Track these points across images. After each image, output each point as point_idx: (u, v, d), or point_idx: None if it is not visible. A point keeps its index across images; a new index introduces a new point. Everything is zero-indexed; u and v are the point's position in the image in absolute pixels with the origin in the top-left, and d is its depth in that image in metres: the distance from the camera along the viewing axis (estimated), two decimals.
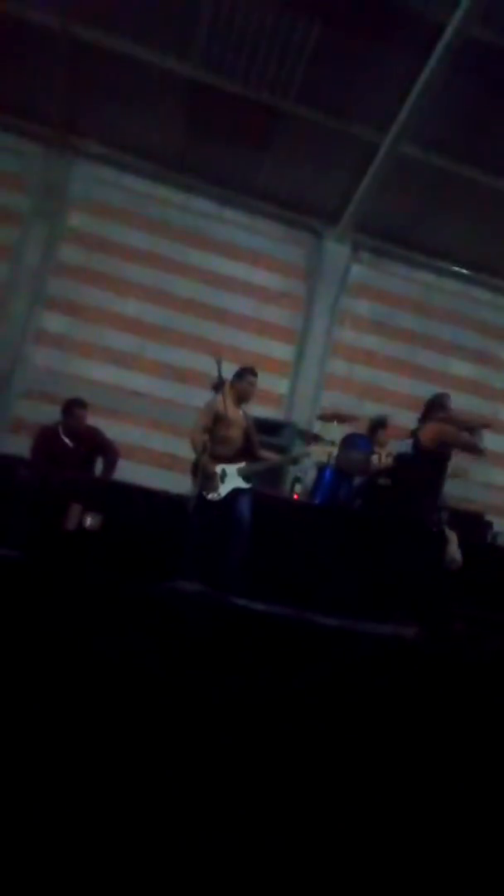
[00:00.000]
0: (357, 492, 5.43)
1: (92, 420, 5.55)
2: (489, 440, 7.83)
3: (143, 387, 6.96)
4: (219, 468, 4.31)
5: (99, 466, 5.31)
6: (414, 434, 4.70)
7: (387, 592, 4.19)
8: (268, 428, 5.46)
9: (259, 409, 6.54)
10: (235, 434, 4.42)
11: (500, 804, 2.22)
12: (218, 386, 4.21)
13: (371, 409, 7.15)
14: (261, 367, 7.37)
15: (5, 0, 5.92)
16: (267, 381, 7.42)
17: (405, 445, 4.79)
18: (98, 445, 5.26)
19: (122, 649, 2.52)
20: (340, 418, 6.04)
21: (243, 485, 4.33)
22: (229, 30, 6.00)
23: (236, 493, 4.29)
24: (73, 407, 5.07)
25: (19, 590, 2.80)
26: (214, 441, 4.33)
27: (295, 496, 5.56)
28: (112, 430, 5.77)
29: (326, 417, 6.17)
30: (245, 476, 4.35)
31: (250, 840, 1.78)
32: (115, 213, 7.28)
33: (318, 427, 6.48)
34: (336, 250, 7.59)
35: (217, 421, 4.36)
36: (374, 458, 5.59)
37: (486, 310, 8.05)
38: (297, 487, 5.71)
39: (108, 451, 5.29)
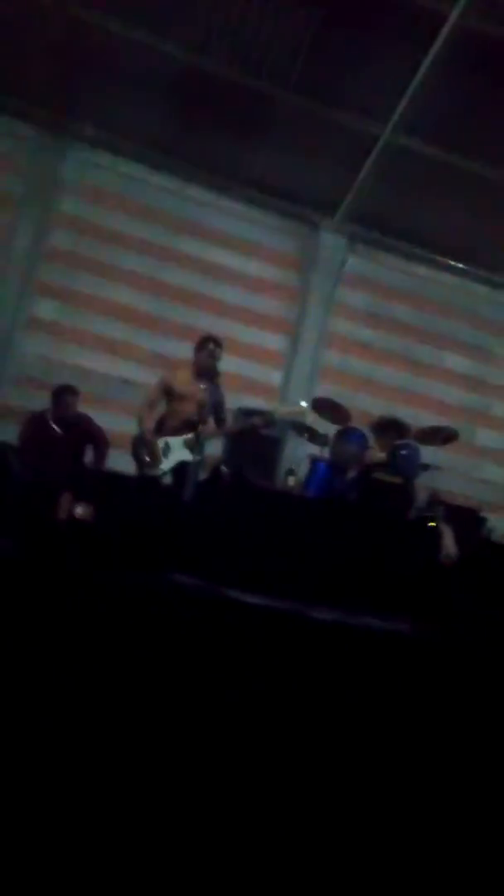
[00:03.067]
0: (351, 485, 5.38)
1: (82, 408, 5.46)
2: (482, 436, 7.87)
3: (134, 375, 6.85)
4: (161, 441, 4.08)
5: (89, 455, 5.23)
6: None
7: (383, 586, 4.15)
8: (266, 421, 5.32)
9: (252, 400, 6.48)
10: (189, 408, 4.13)
11: (495, 796, 2.19)
12: (214, 376, 4.11)
13: (365, 402, 7.11)
14: (254, 357, 7.40)
15: None
16: (260, 372, 7.37)
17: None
18: (88, 433, 5.17)
19: (114, 642, 2.45)
20: (334, 412, 5.97)
21: (189, 457, 4.01)
22: (229, 15, 5.89)
23: (188, 469, 3.97)
24: (62, 394, 4.98)
25: (10, 580, 2.72)
26: (166, 416, 4.15)
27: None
28: (102, 418, 5.68)
29: (319, 408, 6.10)
30: (191, 447, 4.03)
31: (250, 828, 1.73)
32: (109, 198, 7.15)
33: (311, 419, 6.41)
34: (332, 241, 7.52)
35: (168, 395, 4.18)
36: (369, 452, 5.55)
37: (482, 304, 8.01)
38: (290, 480, 5.65)
39: (99, 439, 5.20)
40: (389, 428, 5.52)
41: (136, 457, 4.11)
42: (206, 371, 4.20)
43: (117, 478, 4.58)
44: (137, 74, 6.41)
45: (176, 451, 4.07)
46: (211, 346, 4.26)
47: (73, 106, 6.85)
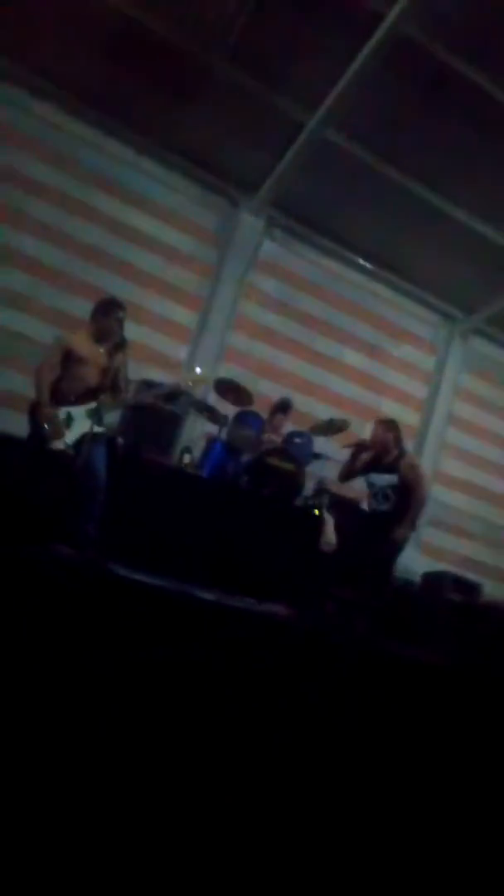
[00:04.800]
0: (245, 469, 5.49)
1: None
2: (368, 430, 8.25)
3: (33, 332, 6.53)
4: (62, 411, 3.90)
5: None
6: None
7: (265, 569, 4.29)
8: (168, 393, 5.28)
9: (155, 373, 6.38)
10: (90, 374, 3.95)
11: (365, 777, 2.37)
12: (120, 344, 4.00)
13: (266, 388, 7.23)
14: (161, 329, 7.29)
15: None
16: (166, 345, 7.28)
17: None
18: None
19: None
20: (237, 394, 6.03)
21: (94, 429, 3.84)
22: None
23: (87, 439, 3.79)
24: None
25: None
26: (63, 380, 3.93)
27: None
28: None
29: (222, 389, 6.13)
30: (95, 417, 3.86)
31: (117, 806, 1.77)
32: (21, 139, 6.70)
33: (213, 399, 6.44)
34: (250, 222, 7.51)
35: (68, 358, 3.94)
36: (266, 437, 5.67)
37: (383, 305, 8.35)
38: (186, 458, 5.66)
39: None
40: (276, 410, 5.74)
41: (35, 425, 3.93)
42: (107, 336, 4.03)
43: (5, 442, 4.37)
44: (65, 11, 6.02)
45: (79, 421, 3.92)
46: (120, 313, 4.08)
47: None
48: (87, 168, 6.96)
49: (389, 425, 5.00)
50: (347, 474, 5.01)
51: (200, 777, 2.03)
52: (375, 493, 4.86)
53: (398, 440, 4.97)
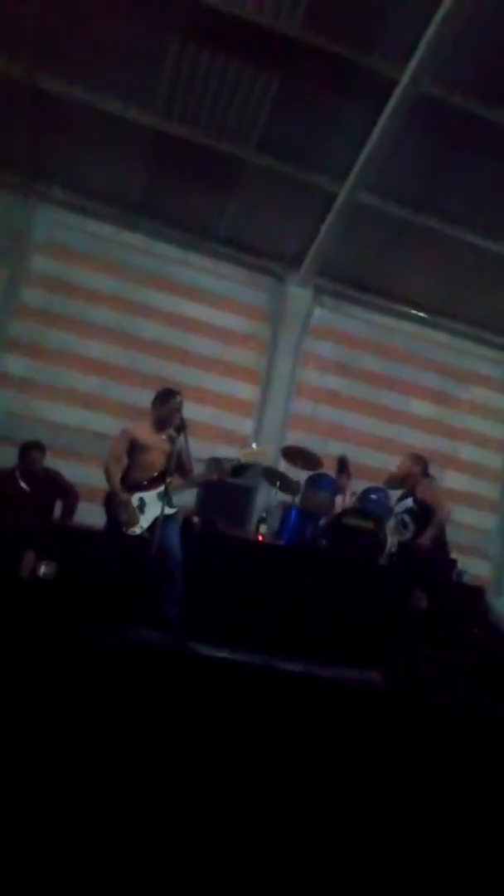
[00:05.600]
0: (323, 531, 5.41)
1: (56, 463, 5.45)
2: (451, 479, 7.99)
3: (107, 428, 6.86)
4: (135, 497, 4.04)
5: (58, 510, 5.19)
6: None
7: (354, 634, 4.12)
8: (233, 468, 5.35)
9: (224, 450, 6.51)
10: (155, 460, 4.11)
11: (465, 846, 2.16)
12: (180, 427, 4.13)
13: (336, 449, 7.18)
14: (225, 407, 7.49)
15: None
16: (231, 422, 7.45)
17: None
18: (57, 489, 5.15)
19: (82, 704, 2.41)
20: (305, 459, 6.03)
21: (165, 510, 3.93)
22: (192, 80, 6.19)
23: (160, 522, 3.91)
24: (28, 450, 4.99)
25: None
26: (131, 468, 4.09)
27: (260, 537, 5.49)
28: (76, 472, 5.68)
29: (290, 457, 6.15)
30: (165, 499, 3.95)
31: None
32: (78, 256, 7.31)
33: (283, 466, 6.46)
34: (298, 294, 7.72)
35: (133, 446, 4.13)
36: (339, 498, 5.59)
37: (444, 351, 8.24)
38: (263, 528, 5.65)
39: (68, 493, 5.18)
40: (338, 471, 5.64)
41: (110, 514, 4.09)
42: (167, 423, 4.21)
43: (84, 534, 4.53)
44: (103, 139, 6.66)
45: (151, 505, 4.05)
46: (173, 400, 4.25)
47: (42, 170, 7.07)
48: (140, 271, 7.46)
49: (416, 458, 4.95)
50: None
51: (305, 859, 1.91)
52: (397, 524, 4.75)
53: (425, 472, 4.81)
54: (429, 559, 4.59)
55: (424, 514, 4.61)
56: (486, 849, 2.03)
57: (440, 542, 4.71)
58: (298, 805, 2.27)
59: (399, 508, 4.80)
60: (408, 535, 4.67)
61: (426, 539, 4.57)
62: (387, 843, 2.12)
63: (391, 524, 4.86)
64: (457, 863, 2.08)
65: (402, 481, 4.90)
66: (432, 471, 6.36)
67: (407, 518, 4.67)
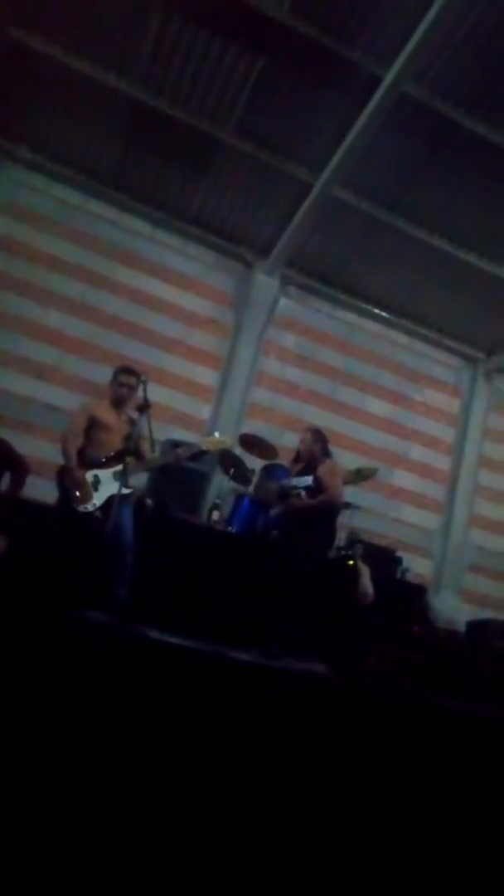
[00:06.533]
0: (275, 521, 5.42)
1: (4, 433, 5.25)
2: (400, 477, 8.16)
3: (61, 401, 6.69)
4: (90, 474, 3.97)
5: (6, 482, 5.02)
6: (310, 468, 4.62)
7: (301, 625, 4.16)
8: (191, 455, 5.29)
9: (180, 433, 6.45)
10: (114, 439, 4.06)
11: (410, 839, 2.22)
12: (143, 407, 4.05)
13: (291, 440, 7.20)
14: (184, 390, 7.41)
15: None
16: (190, 406, 7.38)
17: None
18: (5, 459, 4.97)
19: (26, 685, 2.34)
20: (261, 448, 6.03)
21: (121, 491, 3.87)
22: (174, 53, 6.03)
23: (113, 501, 3.84)
24: None
25: None
26: (88, 445, 4.04)
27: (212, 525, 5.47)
28: (25, 444, 5.49)
29: (247, 445, 6.14)
30: (122, 479, 3.89)
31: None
32: (43, 221, 7.05)
33: (238, 453, 6.44)
34: (265, 282, 7.69)
35: (92, 424, 4.08)
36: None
37: (403, 352, 8.38)
38: (215, 515, 5.63)
39: (17, 465, 5.00)
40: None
41: (63, 489, 3.98)
42: (120, 402, 4.15)
43: (34, 508, 4.40)
44: (78, 102, 6.44)
45: (106, 484, 3.97)
46: (122, 377, 4.18)
47: (10, 127, 6.77)
48: (107, 243, 7.27)
49: (317, 435, 4.78)
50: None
51: (237, 842, 1.92)
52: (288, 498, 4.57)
53: (325, 450, 4.73)
54: (304, 528, 4.48)
55: (318, 493, 4.50)
56: (425, 839, 2.08)
57: (324, 523, 4.56)
58: (239, 793, 2.28)
59: (299, 483, 4.57)
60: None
61: (301, 504, 4.46)
62: (328, 835, 2.15)
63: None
64: (390, 850, 2.13)
65: (304, 460, 4.73)
66: (384, 467, 6.51)
67: (302, 493, 4.49)
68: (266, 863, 1.86)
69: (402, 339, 8.39)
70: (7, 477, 5.00)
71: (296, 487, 4.52)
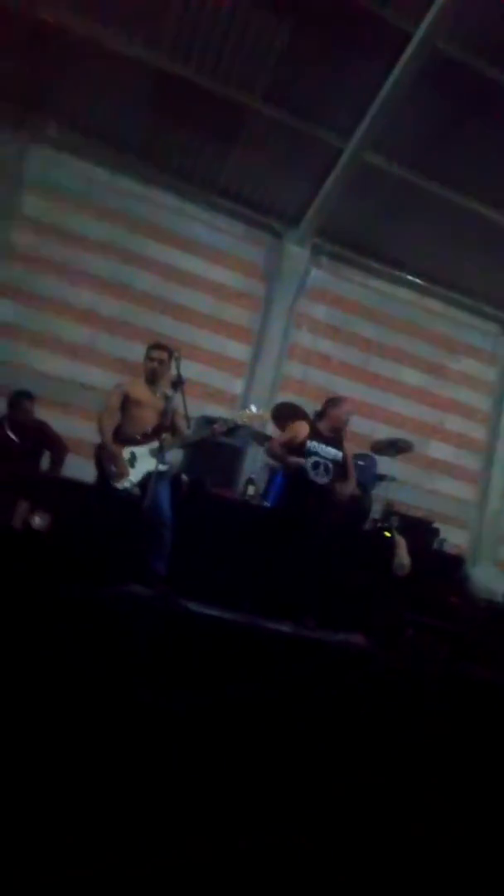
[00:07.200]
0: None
1: (42, 413, 5.37)
2: (435, 448, 8.07)
3: (95, 380, 6.77)
4: (126, 451, 4.02)
5: (45, 462, 5.14)
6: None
7: (338, 597, 4.20)
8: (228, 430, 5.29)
9: (213, 409, 6.48)
10: (149, 416, 4.10)
11: (446, 809, 2.25)
12: (177, 383, 4.09)
13: None
14: (216, 365, 7.42)
15: None
16: (222, 381, 7.38)
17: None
18: (45, 440, 5.09)
19: (70, 657, 2.43)
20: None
21: (158, 467, 3.92)
22: (200, 21, 5.92)
23: (151, 478, 3.88)
24: (19, 400, 4.90)
25: None
26: (124, 423, 4.09)
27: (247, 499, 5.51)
28: (61, 423, 5.60)
29: (280, 418, 6.12)
30: (158, 455, 3.94)
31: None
32: (72, 199, 7.05)
33: (270, 429, 6.45)
34: (296, 253, 7.58)
35: (127, 402, 4.12)
36: None
37: (438, 321, 8.21)
38: (250, 489, 5.67)
39: (56, 445, 5.13)
40: None
41: (100, 467, 4.06)
42: (153, 378, 4.17)
43: (75, 486, 4.51)
44: (104, 76, 6.37)
45: (142, 460, 4.03)
46: (154, 352, 4.22)
47: (38, 104, 6.75)
48: (136, 219, 7.24)
49: (345, 404, 4.72)
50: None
51: (279, 814, 1.98)
52: (316, 463, 4.47)
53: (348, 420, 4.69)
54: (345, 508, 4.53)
55: (343, 472, 4.50)
56: (464, 815, 2.12)
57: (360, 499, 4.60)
58: (283, 765, 2.34)
59: (325, 454, 4.48)
60: (324, 480, 4.45)
61: (348, 488, 4.50)
62: (365, 807, 2.19)
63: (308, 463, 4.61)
64: (436, 829, 2.17)
65: (331, 422, 4.60)
66: (419, 439, 6.44)
67: (331, 466, 4.45)
68: (303, 836, 1.91)
69: (437, 306, 8.21)
70: (47, 457, 5.15)
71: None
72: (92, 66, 6.25)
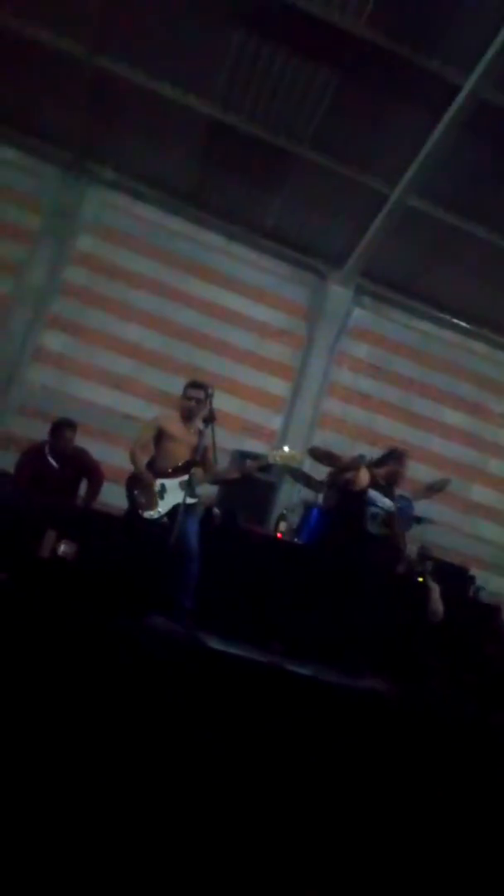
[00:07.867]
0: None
1: (84, 441, 5.52)
2: (477, 492, 7.90)
3: (137, 411, 6.93)
4: (157, 483, 4.08)
5: (83, 489, 5.27)
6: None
7: (365, 642, 4.12)
8: (260, 468, 5.33)
9: (252, 444, 6.55)
10: (180, 450, 4.16)
11: (465, 862, 2.16)
12: (209, 418, 4.15)
13: (363, 452, 7.14)
14: (256, 401, 7.51)
15: (36, 27, 6.06)
16: (261, 416, 7.46)
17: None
18: (83, 467, 5.22)
19: (84, 690, 2.45)
20: (330, 459, 5.99)
21: (186, 500, 3.98)
22: (251, 73, 6.16)
23: (178, 510, 3.93)
24: (61, 428, 5.04)
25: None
26: (157, 456, 4.15)
27: (279, 535, 5.50)
28: (102, 451, 5.74)
29: (317, 456, 6.12)
30: (188, 489, 4.00)
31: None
32: (125, 239, 7.36)
33: (308, 465, 6.45)
34: (339, 293, 7.68)
35: (161, 436, 4.19)
36: None
37: (482, 363, 8.13)
38: (282, 525, 5.66)
39: (94, 474, 5.24)
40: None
41: (131, 496, 4.14)
42: (189, 415, 4.24)
43: (105, 517, 4.59)
44: (158, 124, 6.68)
45: (172, 493, 4.10)
46: (190, 391, 4.28)
47: (96, 150, 7.12)
48: (184, 258, 7.49)
49: (409, 460, 4.73)
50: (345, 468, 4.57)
51: (294, 859, 1.93)
52: (374, 514, 4.41)
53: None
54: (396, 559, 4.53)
55: (390, 527, 4.48)
56: (482, 866, 2.03)
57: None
58: (295, 807, 2.30)
59: (382, 504, 4.44)
60: (379, 532, 4.40)
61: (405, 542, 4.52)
62: (379, 851, 2.13)
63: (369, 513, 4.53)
64: (454, 875, 2.08)
65: (388, 471, 4.58)
66: (460, 481, 6.32)
67: (386, 518, 4.42)
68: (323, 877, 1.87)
69: (482, 348, 8.14)
70: (84, 484, 5.27)
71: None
72: (147, 114, 6.57)
